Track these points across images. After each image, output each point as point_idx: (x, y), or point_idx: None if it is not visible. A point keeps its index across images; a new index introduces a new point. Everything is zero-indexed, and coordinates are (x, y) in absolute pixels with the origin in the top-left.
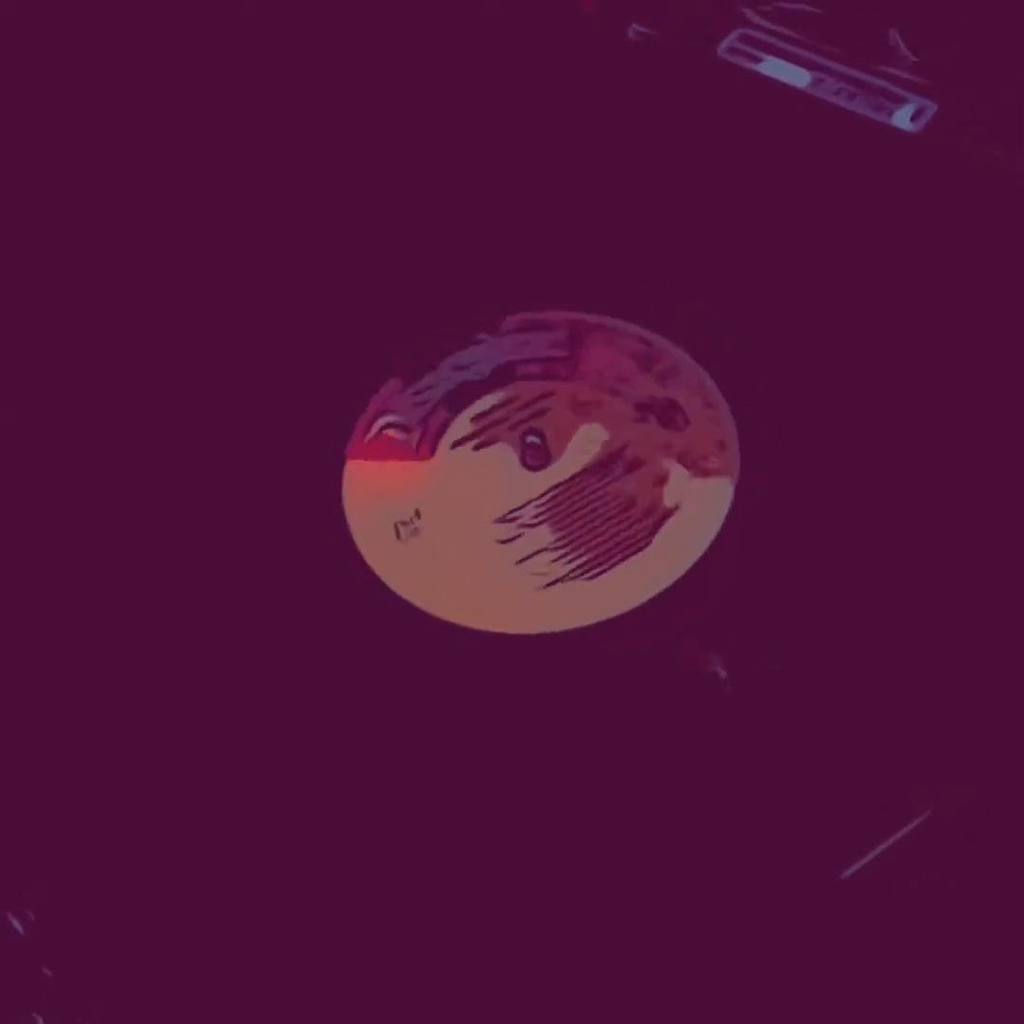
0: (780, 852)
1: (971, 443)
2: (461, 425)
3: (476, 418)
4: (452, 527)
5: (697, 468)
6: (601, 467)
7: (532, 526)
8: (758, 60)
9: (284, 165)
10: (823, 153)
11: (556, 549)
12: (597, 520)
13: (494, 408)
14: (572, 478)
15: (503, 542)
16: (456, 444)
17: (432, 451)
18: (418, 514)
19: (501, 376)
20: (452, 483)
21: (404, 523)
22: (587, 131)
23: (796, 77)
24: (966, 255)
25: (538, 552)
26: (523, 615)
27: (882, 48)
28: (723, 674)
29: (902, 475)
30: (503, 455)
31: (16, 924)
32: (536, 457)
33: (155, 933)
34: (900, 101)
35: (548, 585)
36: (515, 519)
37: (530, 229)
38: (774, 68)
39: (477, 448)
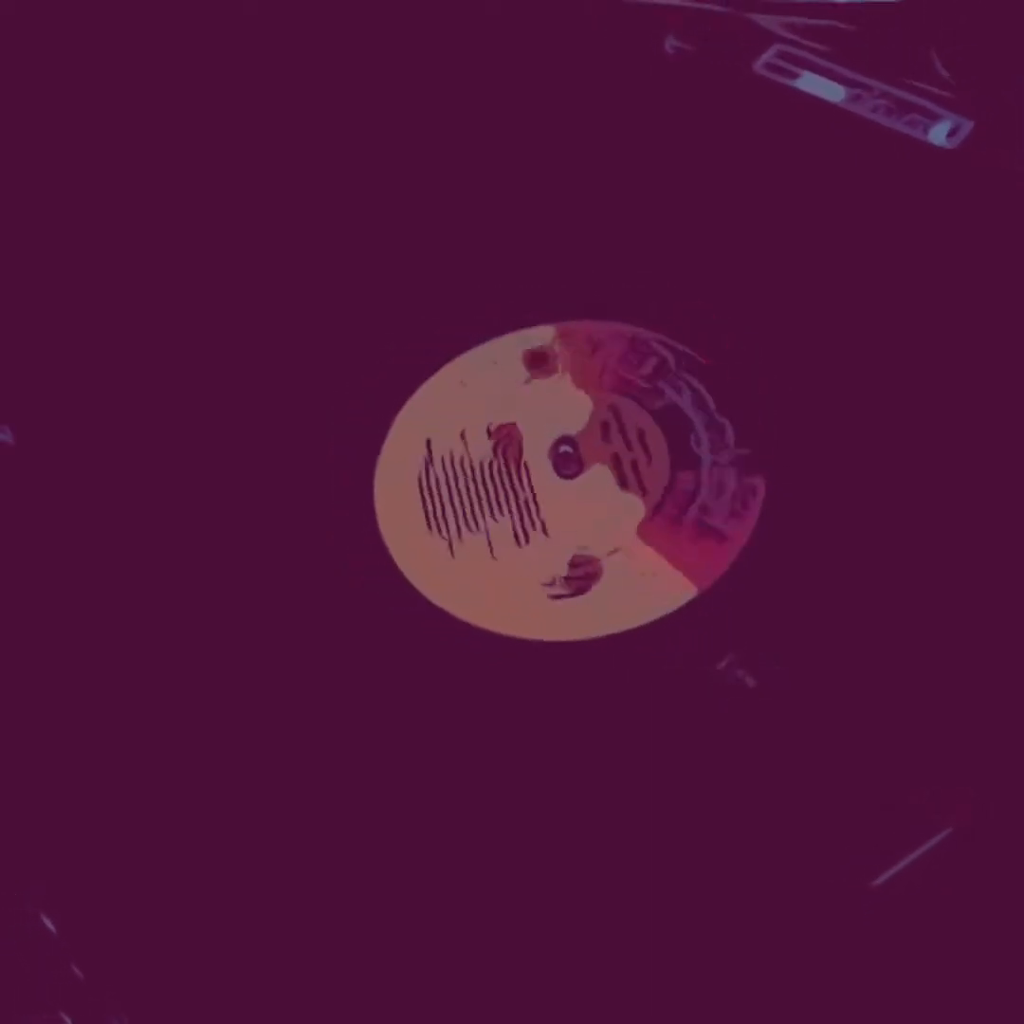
0: (810, 859)
1: (975, 453)
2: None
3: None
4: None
5: None
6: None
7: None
8: (795, 76)
9: (285, 168)
10: (860, 169)
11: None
12: None
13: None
14: None
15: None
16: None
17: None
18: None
19: None
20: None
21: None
22: (624, 144)
23: (833, 93)
24: (1001, 272)
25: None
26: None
27: (917, 65)
28: (751, 683)
29: (905, 479)
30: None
31: (48, 923)
32: (567, 466)
33: (181, 934)
34: (936, 118)
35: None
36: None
37: (560, 240)
38: (811, 84)
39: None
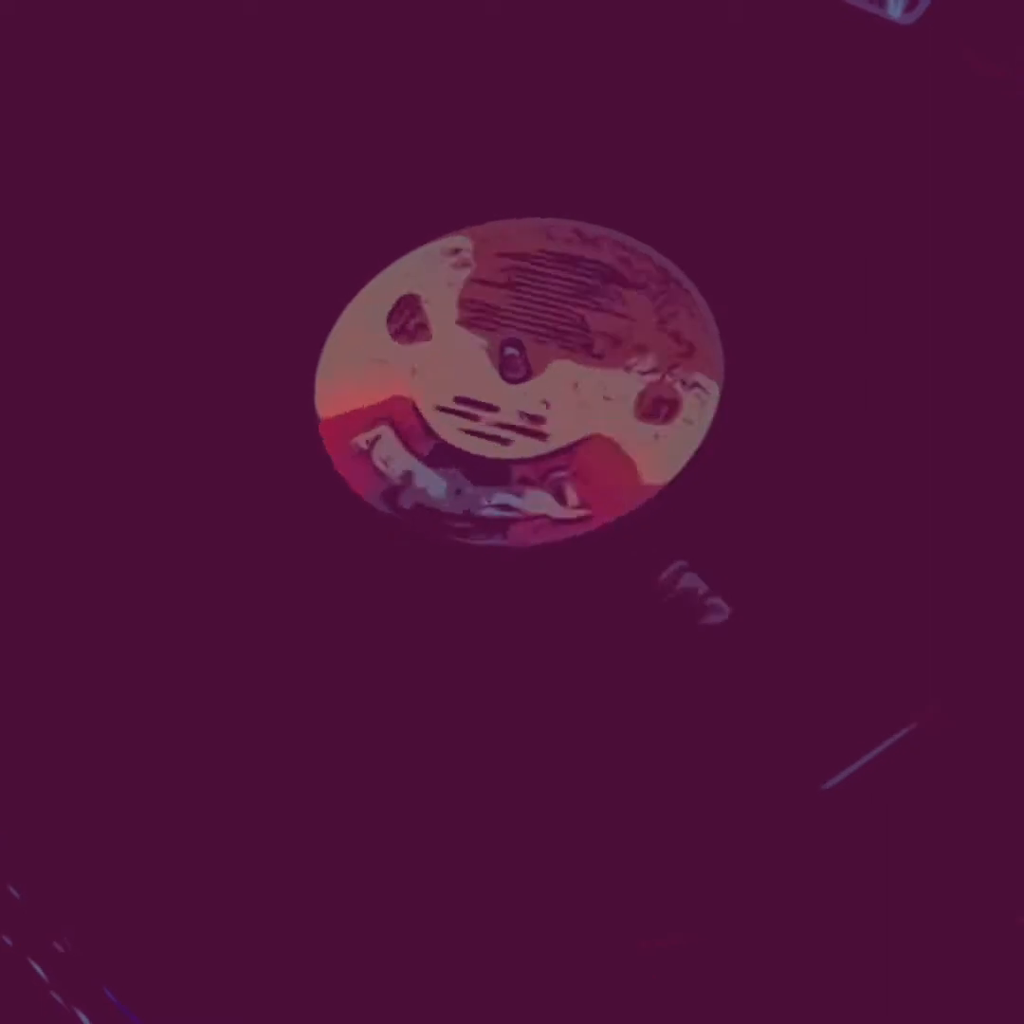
0: (764, 763)
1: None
2: None
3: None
4: None
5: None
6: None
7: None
8: None
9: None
10: (817, 44)
11: None
12: None
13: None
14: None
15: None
16: None
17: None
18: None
19: None
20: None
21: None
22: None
23: None
24: (956, 147)
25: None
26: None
27: None
28: (703, 590)
29: (883, 429)
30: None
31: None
32: (514, 370)
33: (142, 920)
34: None
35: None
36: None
37: (528, 132)
38: None
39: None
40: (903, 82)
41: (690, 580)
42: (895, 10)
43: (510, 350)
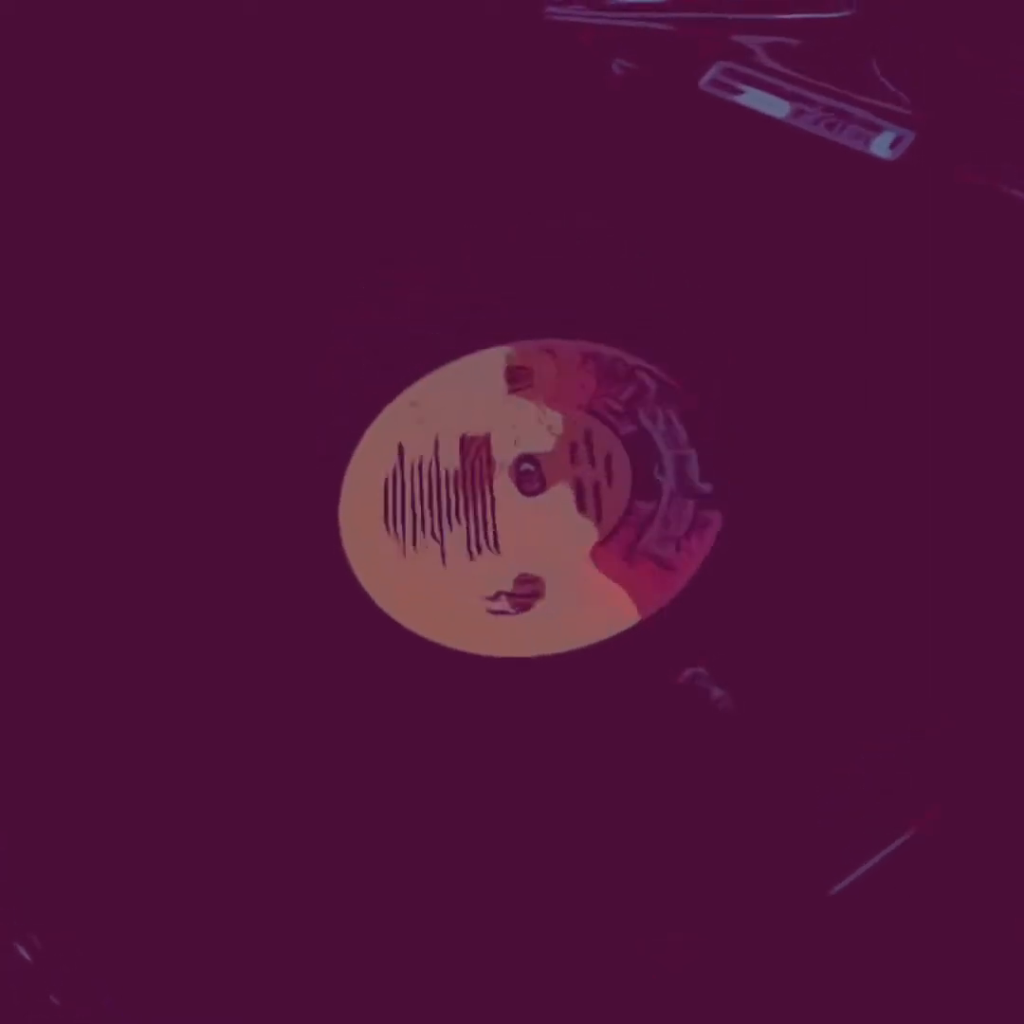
0: (770, 867)
1: (947, 472)
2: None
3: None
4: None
5: None
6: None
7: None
8: (739, 92)
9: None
10: (805, 183)
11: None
12: None
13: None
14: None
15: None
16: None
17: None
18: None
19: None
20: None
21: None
22: (574, 162)
23: (776, 108)
24: (948, 279)
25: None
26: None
27: (859, 78)
28: (717, 693)
29: (861, 534)
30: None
31: (23, 952)
32: (530, 483)
33: (161, 958)
34: (878, 130)
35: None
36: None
37: (510, 259)
38: (755, 100)
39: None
40: (890, 210)
41: (706, 684)
42: (881, 149)
43: (526, 466)
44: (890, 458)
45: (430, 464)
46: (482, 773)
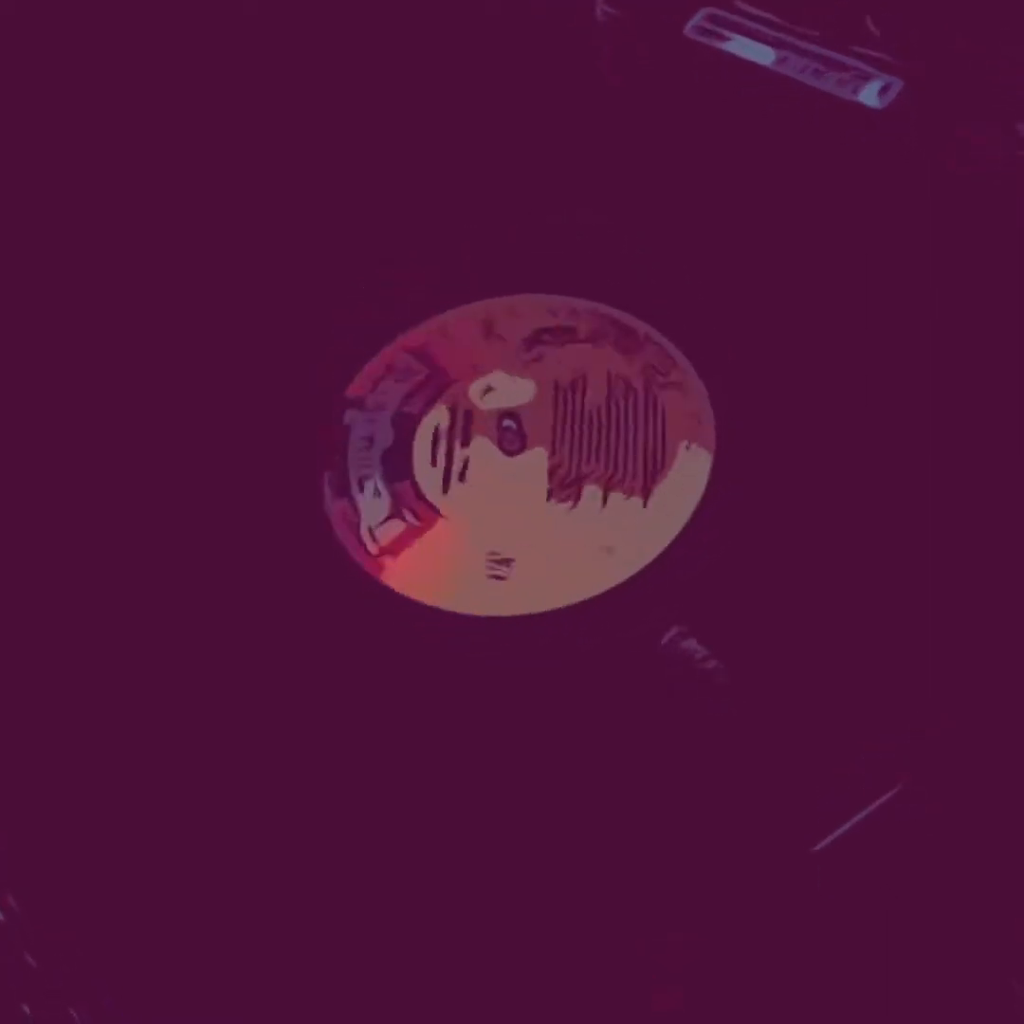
0: (754, 825)
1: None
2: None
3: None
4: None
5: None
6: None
7: None
8: (725, 39)
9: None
10: (791, 131)
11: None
12: None
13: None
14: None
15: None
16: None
17: (434, 512)
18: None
19: (401, 423)
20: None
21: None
22: (558, 110)
23: (762, 55)
24: (933, 230)
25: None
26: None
27: (850, 26)
28: (701, 652)
29: (880, 469)
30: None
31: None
32: (511, 442)
33: (140, 917)
34: (867, 78)
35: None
36: None
37: (496, 211)
38: (740, 47)
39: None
40: (879, 159)
41: (690, 645)
42: (869, 98)
43: (507, 422)
44: (881, 408)
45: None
46: (467, 733)
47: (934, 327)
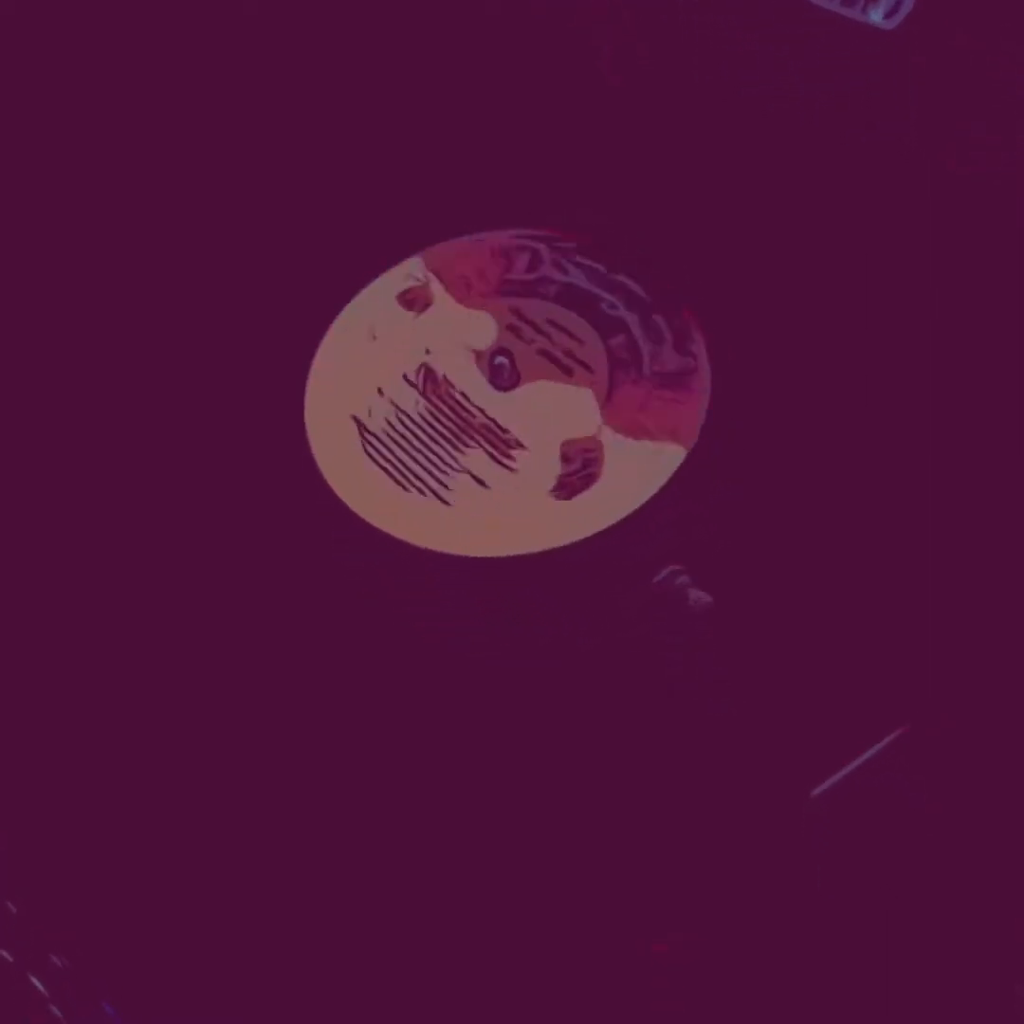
0: (753, 769)
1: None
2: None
3: None
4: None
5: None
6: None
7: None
8: None
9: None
10: (800, 52)
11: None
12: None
13: None
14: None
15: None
16: None
17: None
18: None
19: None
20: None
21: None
22: (558, 110)
23: None
24: (933, 230)
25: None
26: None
27: None
28: (695, 594)
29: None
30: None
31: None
32: (503, 378)
33: (160, 957)
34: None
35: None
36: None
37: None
38: None
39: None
40: (888, 86)
41: (685, 583)
42: (877, 16)
43: (499, 359)
44: (877, 397)
45: (394, 415)
46: (458, 675)
47: (934, 326)
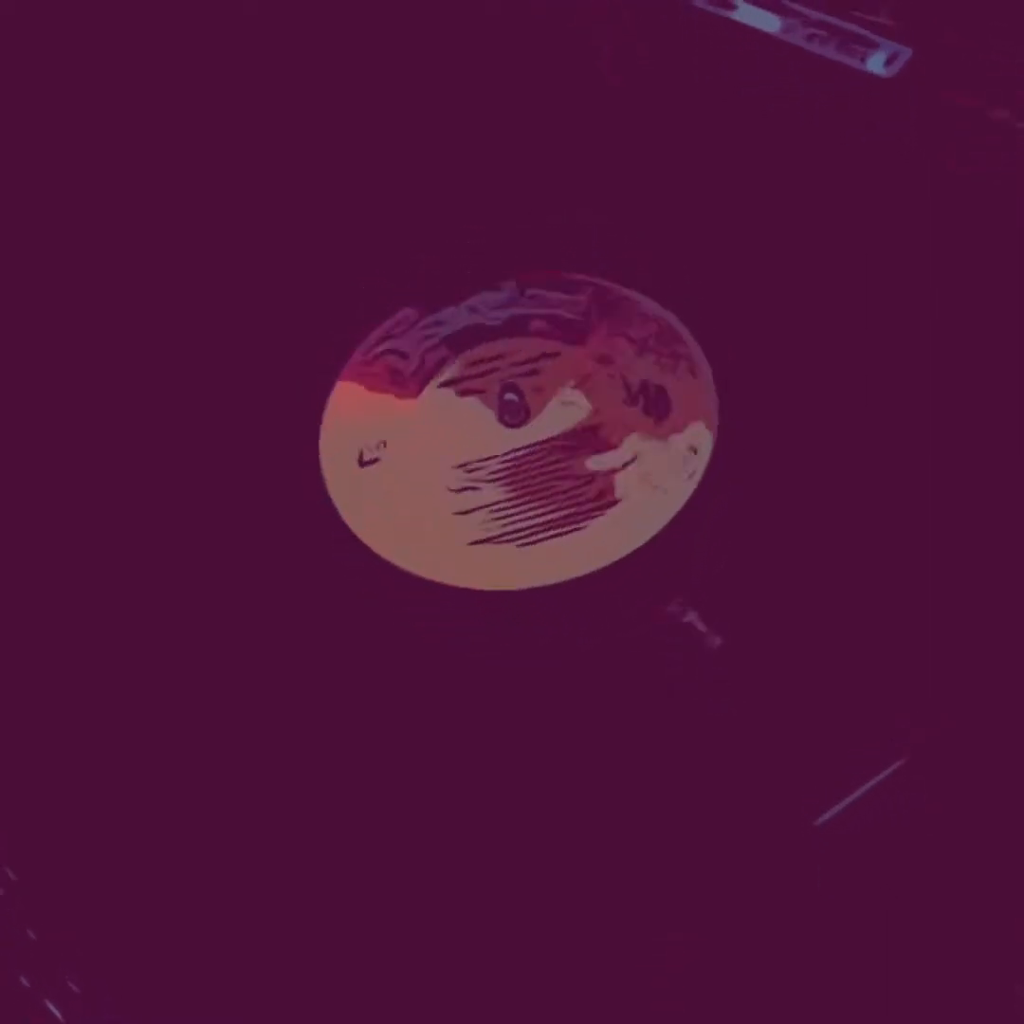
0: (757, 799)
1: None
2: (455, 367)
3: (472, 364)
4: (411, 467)
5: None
6: (572, 439)
7: (488, 482)
8: (732, 8)
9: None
10: (798, 99)
11: (499, 510)
12: (548, 493)
13: (493, 358)
14: (540, 443)
15: (454, 491)
16: (444, 385)
17: (420, 388)
18: (384, 445)
19: (513, 327)
20: (426, 424)
21: (369, 451)
22: (558, 110)
23: (769, 23)
24: (939, 200)
25: (482, 508)
26: (451, 566)
27: None
28: (702, 627)
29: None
30: (483, 407)
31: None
32: (512, 414)
33: (160, 956)
34: (874, 46)
35: (476, 543)
36: (474, 470)
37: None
38: (748, 15)
39: (461, 394)
40: (887, 131)
41: (690, 617)
42: (876, 65)
43: (509, 395)
44: (878, 398)
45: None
46: (464, 703)
47: (933, 326)
